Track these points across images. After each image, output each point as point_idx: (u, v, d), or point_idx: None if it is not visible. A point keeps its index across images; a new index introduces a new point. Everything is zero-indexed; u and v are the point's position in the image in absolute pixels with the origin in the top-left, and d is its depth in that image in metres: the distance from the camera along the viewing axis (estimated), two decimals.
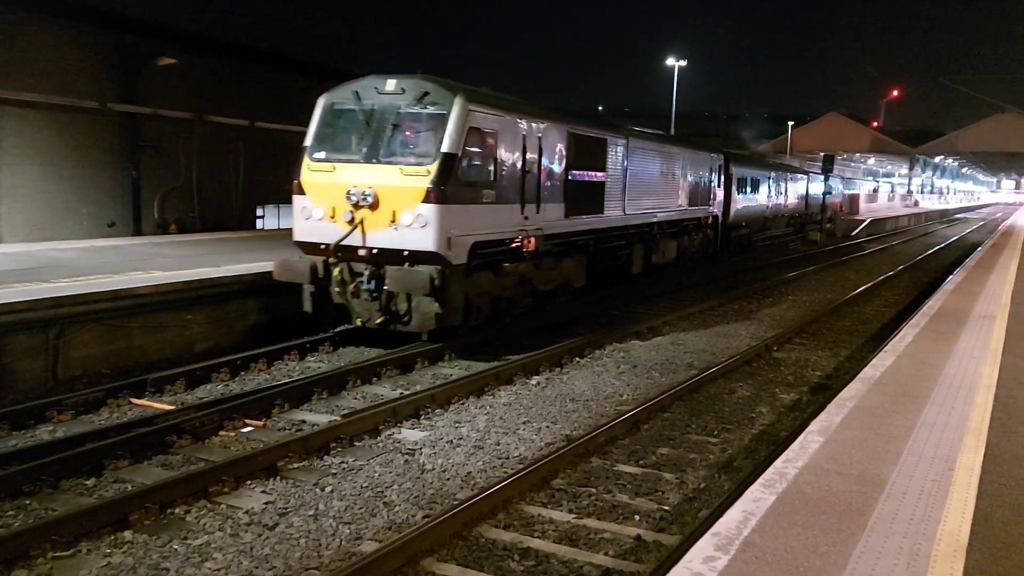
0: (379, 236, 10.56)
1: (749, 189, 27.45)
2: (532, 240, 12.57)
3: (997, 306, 12.27)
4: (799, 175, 37.27)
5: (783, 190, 32.75)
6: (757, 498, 4.65)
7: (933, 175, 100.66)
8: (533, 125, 12.38)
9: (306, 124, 11.31)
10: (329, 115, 11.34)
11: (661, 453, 7.75)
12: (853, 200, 53.50)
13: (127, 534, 5.73)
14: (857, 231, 42.62)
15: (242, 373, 10.08)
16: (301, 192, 11.08)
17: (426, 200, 10.24)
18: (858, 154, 79.38)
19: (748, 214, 27.49)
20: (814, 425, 6.12)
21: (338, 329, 11.89)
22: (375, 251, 10.62)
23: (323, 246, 10.82)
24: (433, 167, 10.32)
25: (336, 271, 10.85)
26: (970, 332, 10.06)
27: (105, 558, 5.42)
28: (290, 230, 11.51)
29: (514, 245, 12.22)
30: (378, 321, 10.90)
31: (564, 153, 13.38)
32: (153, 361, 10.52)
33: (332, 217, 10.77)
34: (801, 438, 5.80)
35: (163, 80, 20.00)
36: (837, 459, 5.36)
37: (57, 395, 8.60)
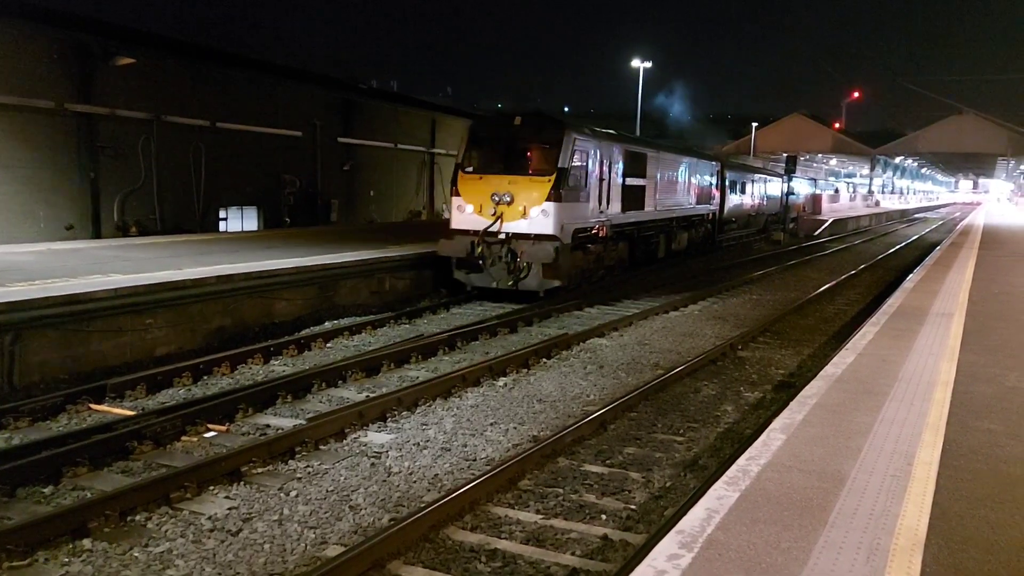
0: (513, 224, 15.26)
1: (738, 190, 31.68)
2: (604, 228, 17.44)
3: (955, 304, 12.51)
4: (776, 177, 40.97)
5: (764, 191, 36.78)
6: (721, 496, 4.69)
7: (893, 175, 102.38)
8: (606, 145, 17.50)
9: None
10: (474, 140, 16.17)
11: (628, 452, 7.79)
12: (816, 200, 54.18)
13: (86, 542, 5.61)
14: (820, 231, 43.21)
15: (205, 377, 9.95)
16: (457, 194, 15.70)
17: (548, 200, 15.07)
18: (820, 154, 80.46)
19: (737, 212, 31.66)
20: (777, 423, 6.18)
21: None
22: (509, 234, 15.19)
23: (473, 231, 15.38)
24: (552, 177, 15.13)
25: (479, 249, 15.27)
26: (929, 329, 10.24)
27: (63, 567, 5.31)
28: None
29: (593, 232, 16.94)
30: (509, 283, 15.34)
31: (623, 165, 18.52)
32: (113, 366, 10.33)
33: (479, 211, 15.41)
34: (764, 436, 5.85)
35: (121, 80, 19.64)
36: (799, 456, 5.42)
37: (13, 402, 8.40)
